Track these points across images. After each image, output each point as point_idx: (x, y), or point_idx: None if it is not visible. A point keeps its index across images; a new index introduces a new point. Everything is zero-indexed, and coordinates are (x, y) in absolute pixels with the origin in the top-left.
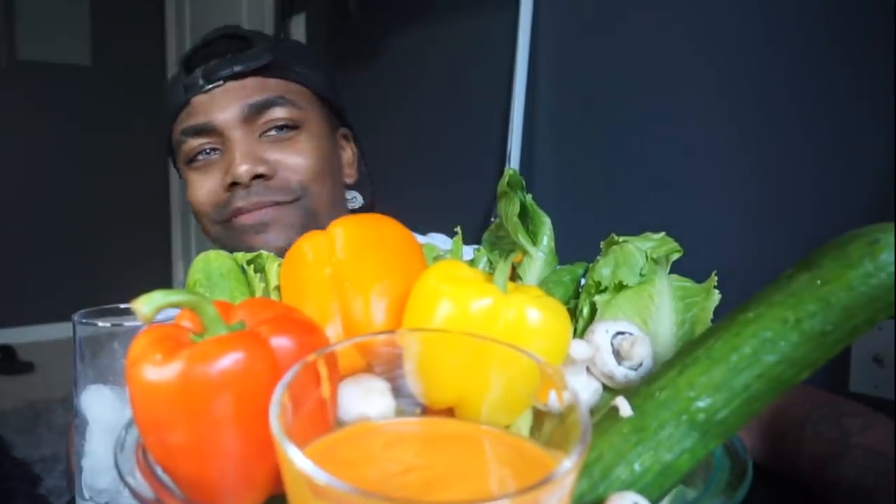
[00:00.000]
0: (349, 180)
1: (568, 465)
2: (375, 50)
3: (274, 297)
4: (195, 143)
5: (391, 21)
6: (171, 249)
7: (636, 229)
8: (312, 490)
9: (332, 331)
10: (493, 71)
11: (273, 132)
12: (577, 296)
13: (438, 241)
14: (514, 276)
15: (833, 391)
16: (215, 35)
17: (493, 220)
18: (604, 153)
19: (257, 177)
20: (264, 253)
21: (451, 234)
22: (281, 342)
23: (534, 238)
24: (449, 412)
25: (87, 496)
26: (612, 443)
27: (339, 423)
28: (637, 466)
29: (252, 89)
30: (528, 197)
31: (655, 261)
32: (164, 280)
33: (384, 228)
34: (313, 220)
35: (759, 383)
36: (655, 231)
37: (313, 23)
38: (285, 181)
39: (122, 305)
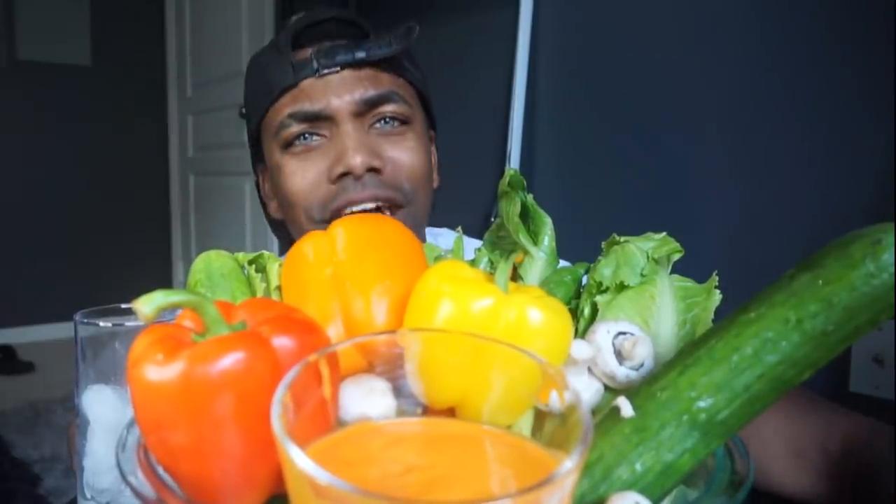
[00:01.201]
0: (435, 185)
1: (569, 466)
2: None
3: (275, 297)
4: (299, 128)
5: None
6: (171, 249)
7: (637, 229)
8: (314, 490)
9: (334, 331)
10: (493, 71)
11: (379, 125)
12: (578, 296)
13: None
14: (515, 277)
15: (833, 391)
16: (324, 15)
17: (493, 219)
18: (604, 153)
19: (370, 170)
20: (265, 253)
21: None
22: (282, 342)
23: (535, 238)
24: (450, 412)
25: (88, 496)
26: (613, 443)
27: (341, 423)
28: (638, 466)
29: (368, 81)
30: (529, 197)
31: (657, 261)
32: (164, 280)
33: (385, 228)
34: (419, 230)
35: (761, 383)
36: (656, 231)
37: None
38: (396, 179)
39: (123, 305)
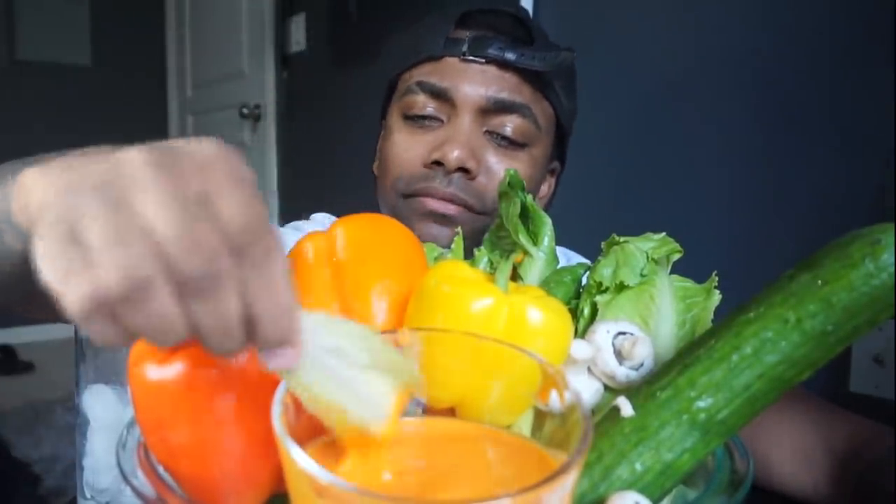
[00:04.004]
0: None
1: (569, 465)
2: (375, 50)
3: None
4: (423, 100)
5: (391, 21)
6: None
7: (637, 229)
8: (315, 489)
9: None
10: None
11: (495, 138)
12: (577, 296)
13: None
14: (515, 277)
15: (833, 391)
16: (502, 8)
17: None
18: (604, 153)
19: (462, 169)
20: None
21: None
22: None
23: (535, 238)
24: (450, 412)
25: (88, 496)
26: (613, 442)
27: None
28: (638, 466)
29: (508, 84)
30: (529, 197)
31: (656, 261)
32: None
33: (385, 228)
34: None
35: (760, 383)
36: (656, 231)
37: (313, 23)
38: (484, 189)
39: None
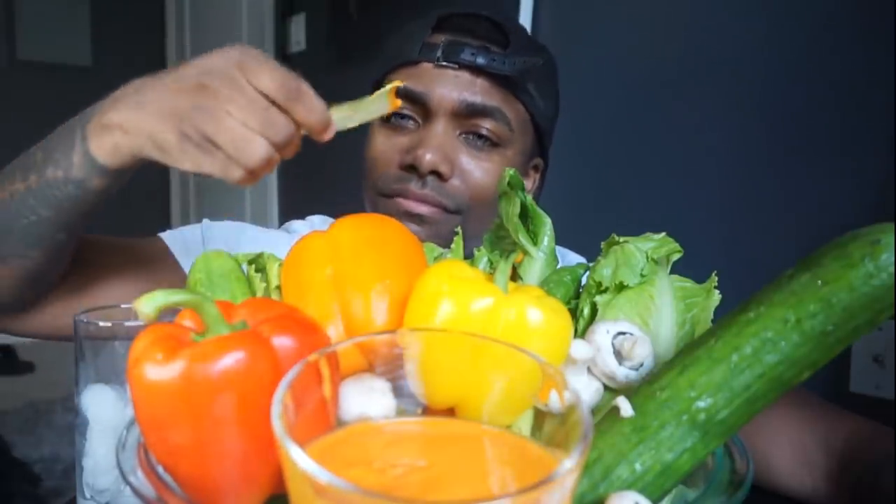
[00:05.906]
0: None
1: (569, 465)
2: (375, 50)
3: (275, 296)
4: (400, 103)
5: (391, 21)
6: None
7: (637, 229)
8: (314, 489)
9: (334, 331)
10: None
11: (470, 138)
12: (577, 296)
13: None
14: (515, 277)
15: (833, 391)
16: (479, 11)
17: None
18: (604, 153)
19: (435, 173)
20: (265, 253)
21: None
22: (282, 342)
23: (534, 238)
24: (450, 412)
25: (88, 496)
26: (612, 442)
27: (341, 423)
28: (638, 466)
29: (480, 89)
30: (529, 197)
31: (656, 261)
32: None
33: (385, 228)
34: (468, 242)
35: (760, 383)
36: (656, 231)
37: (313, 23)
38: (456, 190)
39: (124, 305)
